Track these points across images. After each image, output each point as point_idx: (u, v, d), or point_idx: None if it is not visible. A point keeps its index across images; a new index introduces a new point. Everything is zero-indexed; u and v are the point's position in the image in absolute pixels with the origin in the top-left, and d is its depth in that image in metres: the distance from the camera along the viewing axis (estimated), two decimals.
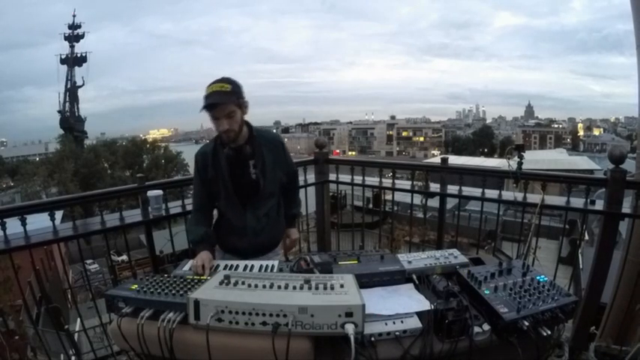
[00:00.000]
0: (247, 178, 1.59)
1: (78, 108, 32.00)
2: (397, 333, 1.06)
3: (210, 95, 1.43)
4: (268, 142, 1.63)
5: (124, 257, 10.20)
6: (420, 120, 65.03)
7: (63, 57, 31.89)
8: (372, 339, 1.04)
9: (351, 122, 66.51)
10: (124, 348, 1.19)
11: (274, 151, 1.64)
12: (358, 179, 2.66)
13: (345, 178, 2.73)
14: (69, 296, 6.77)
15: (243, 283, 1.10)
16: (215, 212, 1.73)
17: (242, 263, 1.46)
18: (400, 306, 1.16)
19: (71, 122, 30.50)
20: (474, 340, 1.04)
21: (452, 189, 2.36)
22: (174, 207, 2.17)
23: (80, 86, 32.32)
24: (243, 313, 1.00)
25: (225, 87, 1.44)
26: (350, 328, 0.97)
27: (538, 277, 1.22)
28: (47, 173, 21.66)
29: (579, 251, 4.32)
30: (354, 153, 57.96)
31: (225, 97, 1.43)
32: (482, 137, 54.06)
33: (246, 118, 1.58)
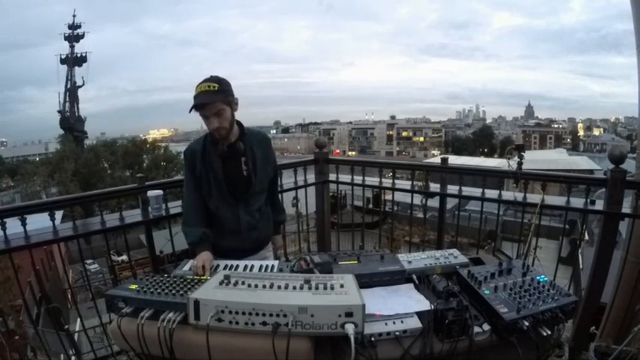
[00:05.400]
0: (239, 174, 1.63)
1: (78, 108, 31.86)
2: (397, 333, 1.06)
3: (198, 95, 1.47)
4: (257, 139, 1.68)
5: (124, 257, 10.19)
6: (419, 120, 65.03)
7: (63, 57, 31.72)
8: (372, 339, 1.04)
9: (351, 122, 66.60)
10: (124, 348, 1.19)
11: (263, 147, 1.69)
12: (358, 179, 2.66)
13: (345, 178, 2.73)
14: (69, 296, 6.78)
15: (243, 283, 1.10)
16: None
17: (242, 263, 1.47)
18: (400, 306, 1.16)
19: (71, 122, 30.35)
20: (474, 340, 1.04)
21: (452, 189, 2.36)
22: (174, 207, 2.17)
23: (80, 86, 32.16)
24: (243, 313, 1.00)
25: (213, 86, 1.47)
26: (350, 328, 0.97)
27: (538, 277, 1.23)
28: (47, 173, 21.60)
29: (579, 251, 4.32)
30: (354, 153, 57.93)
31: (212, 97, 1.47)
32: (482, 137, 54.05)
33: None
